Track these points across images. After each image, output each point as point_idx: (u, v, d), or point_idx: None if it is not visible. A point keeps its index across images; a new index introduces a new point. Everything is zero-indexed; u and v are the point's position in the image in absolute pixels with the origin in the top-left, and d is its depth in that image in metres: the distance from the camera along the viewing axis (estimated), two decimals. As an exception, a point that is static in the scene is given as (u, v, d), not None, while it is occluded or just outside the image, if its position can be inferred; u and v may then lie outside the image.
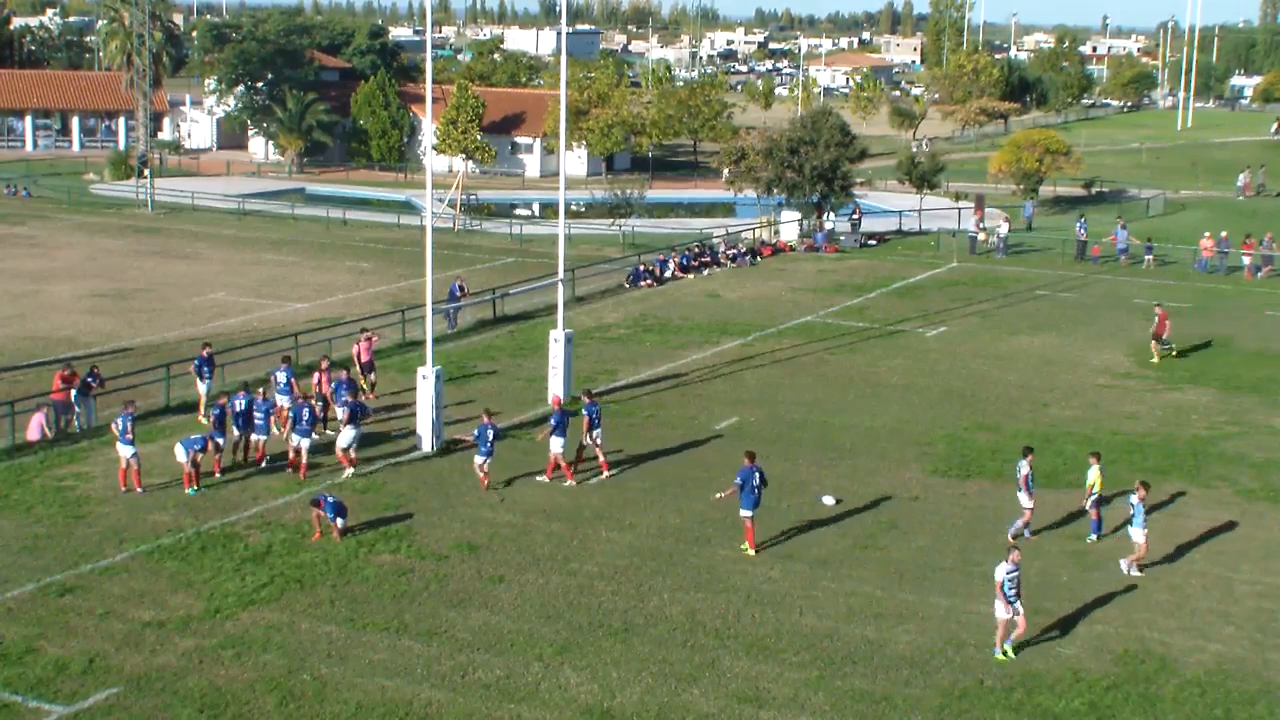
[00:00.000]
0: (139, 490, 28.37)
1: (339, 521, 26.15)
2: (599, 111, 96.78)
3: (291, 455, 30.15)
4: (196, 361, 34.59)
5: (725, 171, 77.26)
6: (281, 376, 33.03)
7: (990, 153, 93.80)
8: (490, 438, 29.57)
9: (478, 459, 29.73)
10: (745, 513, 26.28)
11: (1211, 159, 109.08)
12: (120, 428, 28.48)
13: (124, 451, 28.54)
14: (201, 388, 34.30)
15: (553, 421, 30.09)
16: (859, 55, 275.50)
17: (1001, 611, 22.02)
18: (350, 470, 30.02)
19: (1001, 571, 22.03)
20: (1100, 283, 57.14)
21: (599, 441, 30.41)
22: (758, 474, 26.27)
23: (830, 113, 71.03)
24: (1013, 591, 21.93)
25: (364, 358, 36.78)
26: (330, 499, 26.27)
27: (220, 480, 29.49)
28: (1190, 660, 22.05)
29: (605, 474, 30.39)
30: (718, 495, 28.13)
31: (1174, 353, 43.15)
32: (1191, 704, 20.65)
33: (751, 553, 26.15)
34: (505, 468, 30.44)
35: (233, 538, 26.23)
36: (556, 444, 29.89)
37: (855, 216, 67.71)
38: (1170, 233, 67.67)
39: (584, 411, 30.52)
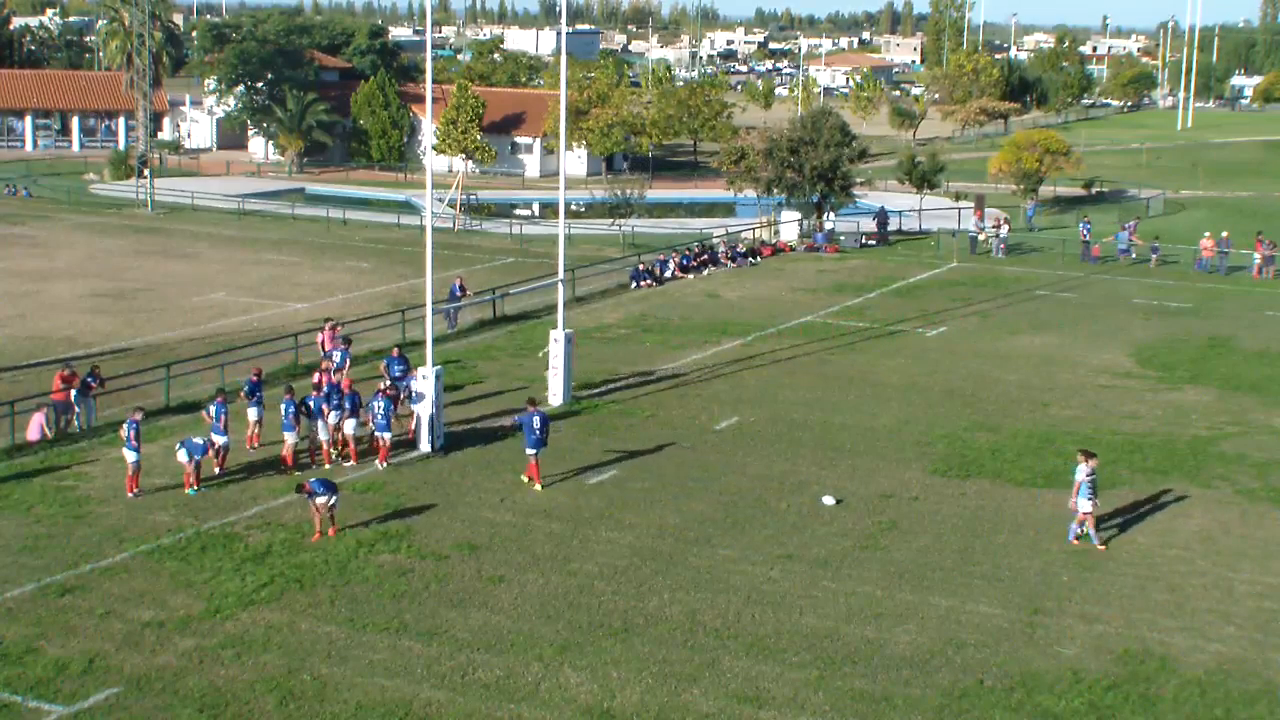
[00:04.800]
0: (130, 494, 28.33)
1: (332, 499, 26.02)
2: (599, 111, 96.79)
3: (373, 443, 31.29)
4: (247, 386, 32.30)
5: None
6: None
7: (990, 153, 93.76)
8: (291, 412, 30.50)
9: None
10: (529, 451, 29.26)
11: (1211, 159, 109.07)
12: (127, 433, 28.48)
13: (127, 456, 28.56)
14: (252, 414, 31.84)
15: (347, 404, 30.98)
16: (859, 55, 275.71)
17: None
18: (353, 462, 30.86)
19: None
20: (1100, 283, 57.13)
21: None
22: (537, 418, 29.32)
23: (830, 113, 71.04)
24: None
25: (326, 346, 37.08)
26: (315, 481, 26.31)
27: (220, 480, 29.52)
28: (1190, 660, 22.03)
29: (347, 461, 31.04)
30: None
31: None
32: (1191, 704, 20.63)
33: (538, 488, 28.94)
34: (507, 467, 30.51)
35: (233, 538, 26.22)
36: (348, 426, 30.93)
37: (879, 221, 67.37)
38: (1171, 233, 67.67)
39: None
